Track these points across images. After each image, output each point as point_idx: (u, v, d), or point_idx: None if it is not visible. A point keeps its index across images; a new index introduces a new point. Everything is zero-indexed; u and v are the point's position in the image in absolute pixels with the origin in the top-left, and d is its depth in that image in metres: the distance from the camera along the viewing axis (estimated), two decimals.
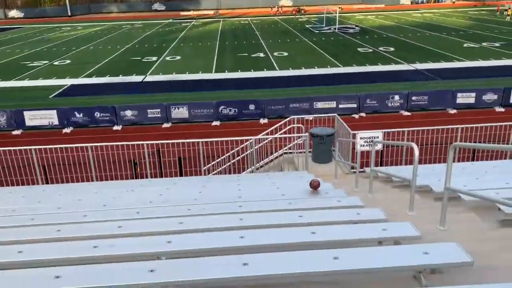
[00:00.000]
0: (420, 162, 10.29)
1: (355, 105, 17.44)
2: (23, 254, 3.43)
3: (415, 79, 22.20)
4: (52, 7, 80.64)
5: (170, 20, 61.05)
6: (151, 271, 2.80)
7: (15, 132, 16.58)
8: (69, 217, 4.97)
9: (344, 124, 10.09)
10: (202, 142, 9.55)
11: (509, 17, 47.24)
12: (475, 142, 10.31)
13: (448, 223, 4.57)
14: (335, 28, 42.80)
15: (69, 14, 74.95)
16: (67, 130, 16.76)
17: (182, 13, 72.45)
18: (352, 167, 9.54)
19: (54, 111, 16.96)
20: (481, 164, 8.93)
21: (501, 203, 4.04)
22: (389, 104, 17.41)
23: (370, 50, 30.99)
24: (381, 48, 31.46)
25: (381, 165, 10.88)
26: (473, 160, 10.05)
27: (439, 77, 22.38)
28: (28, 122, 16.82)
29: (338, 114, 15.35)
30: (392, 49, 31.14)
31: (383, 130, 9.72)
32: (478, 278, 3.13)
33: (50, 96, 21.44)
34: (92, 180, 9.60)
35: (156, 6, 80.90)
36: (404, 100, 17.38)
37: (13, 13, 76.23)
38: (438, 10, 63.63)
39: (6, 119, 16.73)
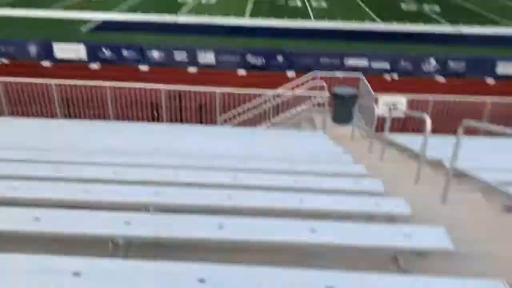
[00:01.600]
0: (444, 132, 9.97)
1: (388, 65, 16.73)
2: (15, 191, 3.49)
3: (457, 43, 20.97)
4: None
5: None
6: (127, 223, 2.80)
7: (44, 64, 16.81)
8: (71, 157, 5.03)
9: (368, 86, 9.70)
10: (219, 92, 9.42)
11: None
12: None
13: (451, 202, 4.39)
14: None
15: None
16: (94, 65, 16.86)
17: None
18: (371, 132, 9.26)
19: (82, 46, 17.01)
20: (506, 140, 8.48)
21: (500, 191, 3.81)
22: (424, 68, 16.61)
23: (414, 8, 29.27)
24: (426, 6, 29.66)
25: (403, 132, 10.56)
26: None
27: (482, 43, 21.05)
28: (57, 55, 16.98)
29: (369, 73, 14.89)
30: (437, 8, 29.31)
31: (408, 96, 9.33)
32: (458, 268, 3.03)
33: (82, 30, 21.46)
34: (109, 118, 9.71)
35: None
36: (440, 65, 16.51)
37: None
38: None
39: (36, 49, 16.93)
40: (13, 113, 9.96)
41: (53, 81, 9.48)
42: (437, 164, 6.09)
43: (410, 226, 2.90)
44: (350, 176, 4.56)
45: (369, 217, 3.53)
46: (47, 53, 16.88)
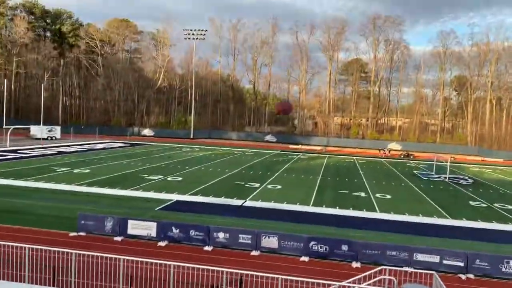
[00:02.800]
0: None
1: (462, 264, 15.57)
2: None
3: None
4: (179, 129, 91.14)
5: (279, 151, 64.43)
6: None
7: (116, 238, 17.68)
8: None
9: (443, 284, 8.94)
10: (281, 278, 9.11)
11: None
12: None
13: None
14: (445, 177, 40.97)
15: (192, 136, 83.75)
16: (162, 243, 17.41)
17: (291, 146, 76.38)
18: None
19: (155, 223, 17.95)
20: None
21: None
22: (503, 269, 15.24)
23: (484, 205, 28.60)
24: (497, 205, 28.89)
25: None
26: None
27: None
28: (130, 231, 17.93)
29: (441, 271, 13.88)
30: (510, 207, 28.39)
31: None
32: None
33: (156, 209, 22.97)
34: None
35: (269, 137, 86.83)
36: None
37: (146, 131, 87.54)
38: None
39: (112, 225, 18.07)
40: (78, 285, 10.17)
41: (122, 257, 9.82)
42: None
43: None
44: None
45: None
46: (121, 229, 17.89)
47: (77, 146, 55.91)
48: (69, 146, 56.08)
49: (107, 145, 60.04)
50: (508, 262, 15.26)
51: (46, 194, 25.45)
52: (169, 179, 33.16)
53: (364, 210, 25.24)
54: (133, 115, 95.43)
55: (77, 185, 28.55)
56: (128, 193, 26.93)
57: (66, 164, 38.35)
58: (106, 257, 10.16)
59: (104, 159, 43.48)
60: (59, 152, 48.30)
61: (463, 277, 15.22)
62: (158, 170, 37.66)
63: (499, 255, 15.83)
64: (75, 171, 34.86)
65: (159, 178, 33.27)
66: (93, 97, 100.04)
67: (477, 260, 15.48)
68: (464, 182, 39.87)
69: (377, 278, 10.22)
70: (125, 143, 65.47)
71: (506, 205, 28.77)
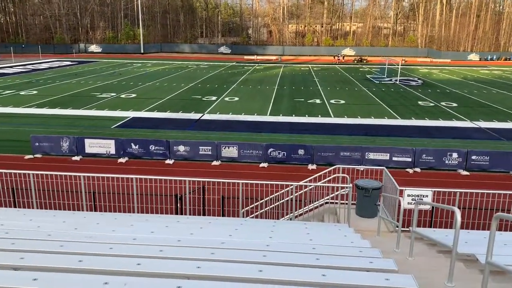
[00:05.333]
0: (473, 227, 9.61)
1: (409, 159, 16.75)
2: (37, 282, 3.46)
3: (477, 138, 21.10)
4: (128, 44, 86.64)
5: (234, 63, 63.35)
6: None
7: (74, 158, 17.50)
8: (95, 248, 5.01)
9: (392, 178, 9.65)
10: (242, 183, 9.50)
11: None
12: None
13: None
14: (396, 80, 42.23)
15: (142, 51, 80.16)
16: (122, 160, 17.44)
17: (246, 56, 75.07)
18: (397, 226, 9.01)
19: (113, 141, 17.78)
20: None
21: None
22: (447, 162, 16.56)
23: (432, 104, 30.10)
24: (443, 103, 30.47)
25: (430, 226, 10.23)
26: None
27: (504, 138, 21.12)
28: (88, 149, 17.73)
29: (392, 167, 14.89)
30: (455, 104, 30.06)
31: (434, 189, 9.20)
32: None
33: (112, 127, 22.61)
34: (134, 211, 9.78)
35: (223, 49, 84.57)
36: (463, 159, 16.46)
37: (93, 47, 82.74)
38: (509, 68, 61.07)
39: (68, 145, 17.75)
40: (41, 205, 10.19)
41: (82, 174, 9.80)
42: (470, 260, 5.80)
43: None
44: (380, 272, 4.36)
45: None
46: (79, 148, 17.65)
47: (20, 67, 52.41)
48: (10, 67, 52.47)
49: (52, 64, 56.64)
50: (451, 155, 16.53)
51: None
52: (122, 96, 32.27)
53: (319, 116, 25.96)
54: (77, 31, 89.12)
55: (25, 107, 27.30)
56: (81, 112, 26.15)
57: (11, 86, 36.20)
58: (66, 176, 10.11)
59: (51, 79, 41.29)
60: (1, 74, 45.27)
61: (411, 171, 16.46)
62: (110, 87, 36.38)
63: (443, 149, 17.07)
64: (22, 93, 33.08)
65: (112, 95, 32.28)
66: (30, 12, 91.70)
67: (424, 155, 16.67)
68: (413, 83, 41.35)
69: (332, 176, 10.87)
70: (71, 61, 61.93)
71: (451, 103, 30.39)
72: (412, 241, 6.37)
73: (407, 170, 16.50)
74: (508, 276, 4.74)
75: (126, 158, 17.57)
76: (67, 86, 37.08)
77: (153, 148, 17.73)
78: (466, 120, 24.93)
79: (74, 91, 34.17)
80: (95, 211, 10.19)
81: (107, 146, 17.70)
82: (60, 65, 55.87)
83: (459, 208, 7.68)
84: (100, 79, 41.96)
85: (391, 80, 43.03)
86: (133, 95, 32.71)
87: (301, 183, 10.00)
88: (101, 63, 59.34)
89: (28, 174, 9.96)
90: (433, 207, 9.70)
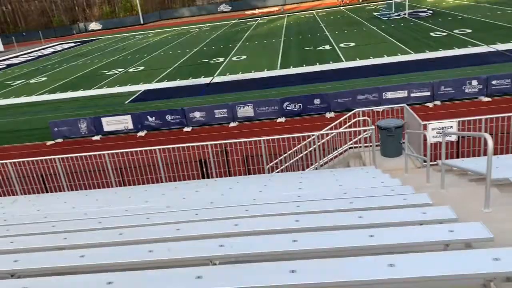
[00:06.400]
0: (502, 152, 9.48)
1: (428, 93, 16.41)
2: (85, 258, 3.57)
3: (496, 62, 20.43)
4: (127, 16, 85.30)
5: (236, 21, 61.96)
6: (198, 277, 2.76)
7: (94, 138, 17.73)
8: (133, 220, 5.14)
9: (414, 114, 9.49)
10: (264, 140, 9.50)
11: None
12: None
13: None
14: (405, 14, 40.75)
15: (142, 22, 78.97)
16: (141, 133, 17.59)
17: (247, 12, 73.23)
18: (424, 161, 8.94)
19: (129, 116, 17.88)
20: None
21: None
22: (467, 90, 16.16)
23: (444, 34, 29.09)
24: (456, 31, 29.39)
25: (457, 157, 10.12)
26: None
27: None
28: (106, 128, 17.91)
29: (411, 104, 14.62)
30: (469, 30, 28.97)
31: (458, 119, 9.03)
32: None
33: (126, 102, 22.67)
34: (162, 181, 9.95)
35: (222, 7, 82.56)
36: (483, 85, 16.03)
37: (93, 25, 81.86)
38: None
39: (86, 125, 17.94)
40: (71, 187, 10.45)
41: (106, 152, 9.94)
42: (504, 184, 5.75)
43: (497, 250, 2.69)
44: (416, 206, 4.36)
45: (447, 245, 3.31)
46: (97, 128, 17.84)
47: (25, 55, 52.43)
48: (16, 57, 52.55)
49: (56, 48, 56.45)
50: (470, 83, 16.11)
51: (9, 110, 24.59)
52: (130, 70, 32.12)
53: (331, 62, 25.45)
54: (75, 11, 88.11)
55: (38, 95, 27.51)
56: (93, 92, 26.23)
57: (20, 76, 36.40)
58: (90, 156, 10.28)
59: (58, 63, 41.28)
60: (8, 66, 45.41)
61: (431, 105, 16.17)
62: (116, 63, 36.21)
63: (461, 78, 16.63)
64: (32, 81, 33.26)
65: (120, 71, 32.17)
66: None
67: (442, 87, 16.29)
68: (423, 15, 39.87)
69: (352, 121, 10.75)
70: (74, 42, 61.55)
71: (465, 30, 29.32)
72: (442, 173, 6.32)
73: (427, 104, 16.21)
74: None
75: (145, 131, 17.72)
76: (75, 68, 37.05)
77: (169, 118, 17.79)
78: (483, 45, 24.08)
79: (82, 72, 34.16)
80: (124, 186, 10.39)
81: (124, 122, 17.84)
82: (64, 48, 55.63)
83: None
84: (106, 56, 41.73)
85: (399, 15, 41.54)
86: (141, 68, 32.52)
87: (322, 132, 9.94)
88: (103, 40, 58.82)
89: (54, 159, 10.15)
90: (458, 138, 9.56)
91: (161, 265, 3.36)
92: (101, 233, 4.55)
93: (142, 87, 25.73)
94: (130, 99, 23.27)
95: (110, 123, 17.87)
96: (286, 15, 60.40)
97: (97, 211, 6.24)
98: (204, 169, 10.67)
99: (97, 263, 3.46)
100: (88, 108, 22.29)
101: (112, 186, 10.00)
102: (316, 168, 9.87)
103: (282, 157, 10.40)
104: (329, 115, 16.57)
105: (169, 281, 2.79)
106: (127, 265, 3.38)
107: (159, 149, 9.71)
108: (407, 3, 41.31)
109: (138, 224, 4.94)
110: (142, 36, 57.72)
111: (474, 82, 16.07)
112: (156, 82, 26.76)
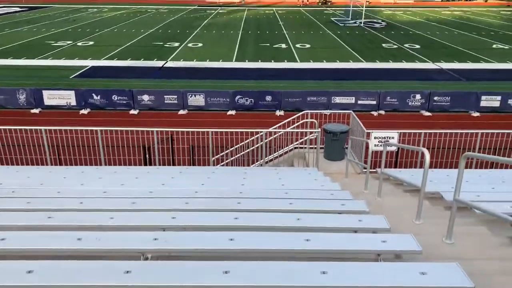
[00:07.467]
0: (436, 165, 10.01)
1: (374, 102, 17.01)
2: (5, 242, 3.33)
3: (439, 79, 21.56)
4: None
5: (196, 7, 60.86)
6: (127, 272, 2.65)
7: (33, 111, 16.74)
8: (65, 203, 4.88)
9: (359, 121, 9.77)
10: (212, 131, 9.39)
11: None
12: (495, 148, 9.89)
13: (456, 236, 4.30)
14: (360, 22, 41.92)
15: None
16: (84, 111, 16.84)
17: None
18: (364, 167, 9.24)
19: (72, 92, 17.04)
20: (501, 172, 8.54)
21: (507, 220, 3.75)
22: (410, 103, 16.92)
23: (395, 46, 30.26)
24: (406, 45, 30.67)
25: (396, 167, 10.56)
26: (492, 167, 9.63)
27: (464, 78, 21.67)
28: (47, 102, 16.96)
29: (357, 111, 15.04)
30: (417, 46, 30.33)
31: (399, 130, 9.40)
32: None
33: (71, 77, 21.59)
34: (101, 164, 9.56)
35: None
36: (426, 100, 16.85)
37: None
38: (469, 8, 61.69)
39: (25, 97, 16.90)
40: (1, 161, 9.78)
41: (43, 127, 9.36)
42: (435, 197, 6.05)
43: (423, 264, 2.81)
44: (352, 213, 4.47)
45: (379, 255, 3.42)
46: (37, 101, 16.85)
47: None
48: None
49: (0, 11, 52.69)
50: (414, 96, 16.88)
51: None
52: (79, 44, 30.62)
53: (285, 61, 25.67)
54: None
55: None
56: (36, 62, 24.74)
57: None
58: (26, 130, 9.66)
59: (0, 27, 38.55)
60: None
61: (375, 113, 16.76)
62: (65, 35, 34.37)
63: (406, 91, 17.37)
64: None
65: (68, 44, 30.58)
66: None
67: (388, 97, 16.95)
68: (378, 25, 41.23)
69: (300, 122, 10.90)
70: (21, 7, 57.66)
71: (414, 45, 30.65)
72: (380, 182, 6.55)
73: (372, 112, 16.79)
74: (471, 212, 4.99)
75: (88, 109, 16.98)
76: (19, 34, 34.72)
77: (116, 98, 17.16)
78: (428, 62, 25.31)
79: (26, 40, 32.10)
80: (60, 165, 9.89)
81: (67, 97, 16.99)
82: (9, 12, 52.01)
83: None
84: (54, 26, 39.48)
85: (355, 22, 42.68)
86: (91, 43, 31.10)
87: (270, 129, 9.99)
88: (54, 9, 55.62)
89: None
90: (398, 148, 9.96)
91: (89, 255, 3.20)
92: (28, 215, 4.26)
93: (90, 62, 24.61)
94: (76, 74, 22.18)
95: (51, 97, 16.94)
96: (247, 8, 60.18)
97: (27, 190, 5.86)
98: (147, 155, 10.39)
99: (18, 248, 3.24)
100: (29, 78, 20.98)
101: (46, 164, 9.46)
102: (261, 165, 9.92)
103: (228, 150, 10.35)
104: (279, 113, 16.72)
105: (95, 274, 2.65)
106: (52, 252, 3.19)
107: (101, 130, 9.30)
108: (363, 12, 42.51)
109: (70, 208, 4.70)
110: (95, 9, 55.21)
111: (418, 96, 16.85)
112: (105, 59, 25.70)
